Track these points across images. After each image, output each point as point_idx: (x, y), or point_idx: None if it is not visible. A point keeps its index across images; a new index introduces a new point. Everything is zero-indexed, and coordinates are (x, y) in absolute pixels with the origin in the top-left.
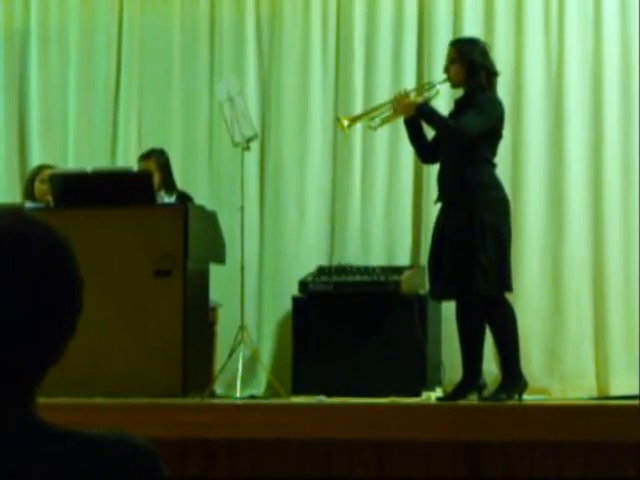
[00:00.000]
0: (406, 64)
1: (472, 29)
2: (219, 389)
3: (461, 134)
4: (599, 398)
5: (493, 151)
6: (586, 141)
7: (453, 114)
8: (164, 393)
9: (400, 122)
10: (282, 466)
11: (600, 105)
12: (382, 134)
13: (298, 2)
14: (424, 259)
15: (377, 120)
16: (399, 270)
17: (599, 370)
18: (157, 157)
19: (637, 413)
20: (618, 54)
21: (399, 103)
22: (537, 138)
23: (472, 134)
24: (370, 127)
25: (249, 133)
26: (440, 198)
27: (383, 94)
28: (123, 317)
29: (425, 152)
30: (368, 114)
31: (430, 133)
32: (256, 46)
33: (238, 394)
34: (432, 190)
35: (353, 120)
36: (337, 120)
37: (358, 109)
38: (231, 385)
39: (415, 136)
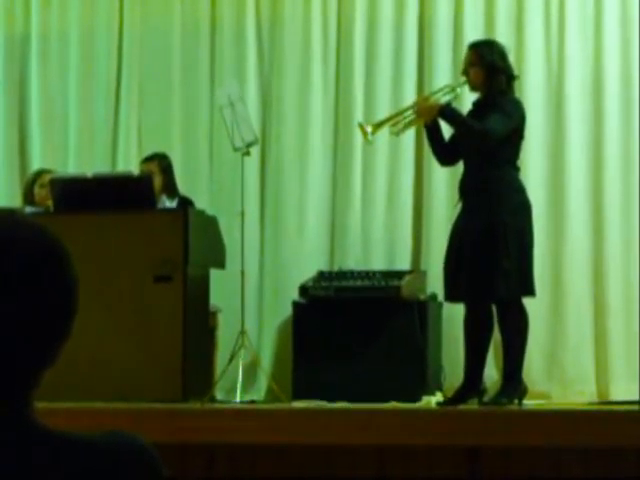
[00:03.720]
0: (407, 67)
1: (473, 33)
2: (219, 394)
3: (487, 136)
4: (599, 403)
5: (517, 153)
6: (587, 145)
7: (472, 116)
8: (164, 398)
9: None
10: (282, 471)
11: (601, 108)
12: (383, 139)
13: (298, 6)
14: (425, 264)
15: (399, 125)
16: (400, 275)
17: (599, 375)
18: (160, 160)
19: (637, 418)
20: (619, 56)
21: (421, 107)
22: (537, 142)
23: (497, 136)
24: (392, 133)
25: (249, 138)
26: (462, 200)
27: (384, 98)
28: (123, 322)
29: (444, 154)
30: (390, 120)
31: (447, 135)
32: (257, 51)
33: (238, 399)
34: (433, 195)
35: (376, 127)
36: (359, 127)
37: (359, 113)
38: (231, 390)
39: (434, 139)
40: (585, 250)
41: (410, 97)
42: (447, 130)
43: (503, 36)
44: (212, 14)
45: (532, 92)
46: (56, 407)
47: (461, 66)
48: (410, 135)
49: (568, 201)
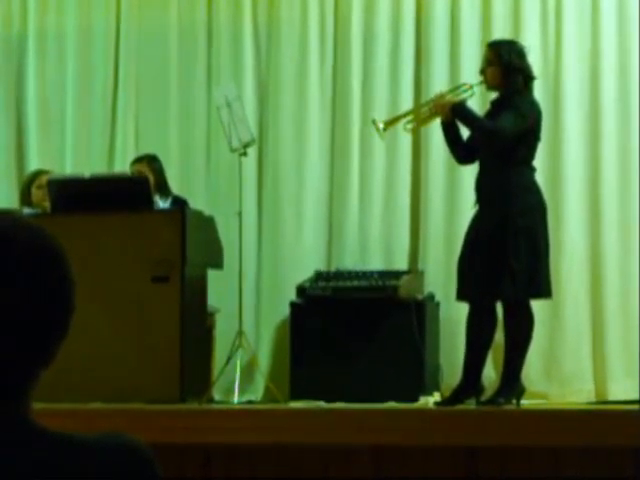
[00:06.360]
0: (404, 66)
1: (470, 30)
2: (217, 395)
3: (496, 135)
4: (597, 402)
5: (532, 154)
6: (583, 142)
7: (488, 115)
8: (162, 399)
9: (399, 126)
10: (280, 471)
11: (598, 103)
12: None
13: (295, 7)
14: (422, 264)
15: (414, 122)
16: (397, 275)
17: (597, 374)
18: (149, 161)
19: (635, 418)
20: (616, 51)
21: (435, 104)
22: None
23: (507, 135)
24: (406, 129)
25: (247, 138)
26: (477, 200)
27: (381, 97)
28: (121, 323)
29: (462, 153)
30: (404, 116)
31: (466, 135)
32: (254, 51)
33: (236, 399)
34: (430, 195)
35: (389, 123)
36: (372, 123)
37: (356, 113)
38: (229, 390)
39: (451, 137)
40: (582, 249)
41: (408, 96)
42: (466, 130)
43: (500, 32)
44: (209, 15)
45: None
46: (54, 408)
47: (478, 64)
48: (407, 136)
49: (565, 199)
